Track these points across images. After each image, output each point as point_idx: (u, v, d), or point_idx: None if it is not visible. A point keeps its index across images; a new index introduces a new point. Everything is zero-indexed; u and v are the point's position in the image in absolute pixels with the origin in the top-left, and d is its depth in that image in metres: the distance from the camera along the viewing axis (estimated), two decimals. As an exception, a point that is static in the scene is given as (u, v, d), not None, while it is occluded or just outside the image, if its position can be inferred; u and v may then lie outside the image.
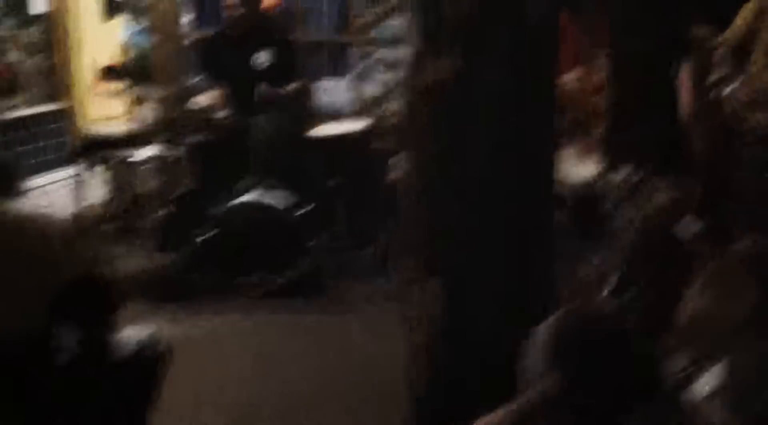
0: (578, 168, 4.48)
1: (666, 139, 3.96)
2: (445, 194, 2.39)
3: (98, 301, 2.14)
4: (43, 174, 6.45)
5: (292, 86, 4.93)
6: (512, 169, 2.34)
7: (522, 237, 2.40)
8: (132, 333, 2.25)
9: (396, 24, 5.70)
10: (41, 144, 6.47)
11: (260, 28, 5.00)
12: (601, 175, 4.11)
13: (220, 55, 5.04)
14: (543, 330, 1.68)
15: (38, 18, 6.57)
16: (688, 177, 3.48)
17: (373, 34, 5.97)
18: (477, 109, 2.33)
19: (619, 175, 3.78)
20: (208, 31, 5.57)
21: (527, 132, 2.35)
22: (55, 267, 2.04)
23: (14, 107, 6.32)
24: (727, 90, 3.63)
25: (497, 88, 2.30)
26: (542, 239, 2.49)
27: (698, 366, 2.85)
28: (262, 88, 4.75)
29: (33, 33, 6.56)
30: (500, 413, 1.72)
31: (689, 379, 2.83)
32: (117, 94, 4.64)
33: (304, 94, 5.07)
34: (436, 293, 2.42)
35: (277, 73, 4.90)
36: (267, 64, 4.91)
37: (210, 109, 5.06)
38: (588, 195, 4.22)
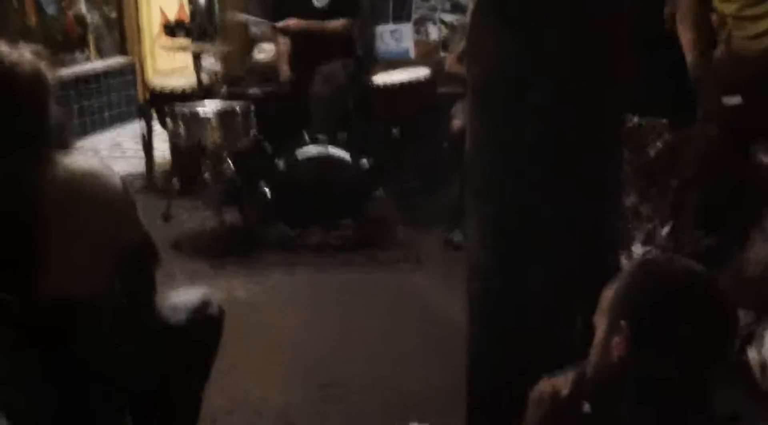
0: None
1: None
2: (511, 138, 2.29)
3: (149, 264, 2.14)
4: (114, 127, 6.57)
5: (338, 21, 4.88)
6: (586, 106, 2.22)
7: (589, 194, 2.30)
8: (183, 298, 2.22)
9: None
10: (111, 96, 6.56)
11: None
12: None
13: None
14: (616, 282, 1.58)
15: (105, -30, 6.62)
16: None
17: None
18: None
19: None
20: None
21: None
22: (116, 228, 2.01)
23: (84, 60, 6.41)
24: None
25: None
26: (610, 202, 2.40)
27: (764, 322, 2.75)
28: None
29: (100, -15, 6.61)
30: (567, 374, 1.66)
31: (752, 336, 2.74)
32: (182, 47, 4.62)
33: (352, 30, 5.02)
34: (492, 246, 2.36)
35: (336, 11, 4.88)
36: (326, 1, 4.88)
37: (273, 60, 5.05)
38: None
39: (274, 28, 4.91)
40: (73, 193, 1.95)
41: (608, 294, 1.59)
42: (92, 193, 1.97)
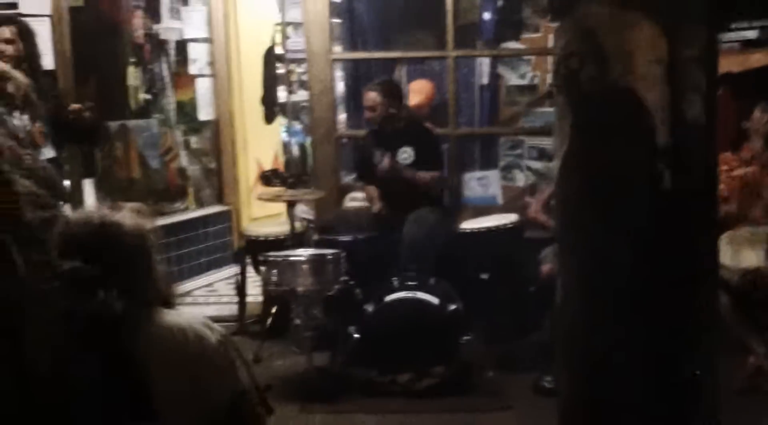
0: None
1: None
2: (599, 285, 2.30)
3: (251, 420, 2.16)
4: (210, 272, 6.77)
5: (428, 173, 5.09)
6: (672, 256, 2.24)
7: (684, 332, 2.28)
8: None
9: (547, 112, 5.71)
10: (209, 243, 6.80)
11: (406, 126, 5.23)
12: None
13: (371, 153, 5.25)
14: None
15: (206, 124, 6.99)
16: None
17: (522, 123, 6.00)
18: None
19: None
20: (361, 130, 5.80)
21: (688, 219, 2.25)
22: (212, 386, 2.04)
23: (184, 209, 6.70)
24: None
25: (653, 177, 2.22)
26: (705, 333, 2.37)
27: None
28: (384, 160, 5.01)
29: (201, 138, 6.97)
30: None
31: None
32: (277, 196, 4.82)
33: (440, 182, 5.24)
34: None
35: (421, 167, 5.10)
36: (411, 159, 5.13)
37: (364, 207, 5.21)
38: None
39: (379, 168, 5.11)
40: (170, 350, 2.00)
41: None
42: (189, 351, 2.01)
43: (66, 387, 1.94)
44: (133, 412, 1.96)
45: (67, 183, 4.41)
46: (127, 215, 2.05)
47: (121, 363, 1.95)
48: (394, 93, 5.23)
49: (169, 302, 2.15)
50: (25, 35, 4.36)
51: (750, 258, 4.31)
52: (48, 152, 4.17)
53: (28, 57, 4.33)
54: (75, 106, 4.37)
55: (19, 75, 4.00)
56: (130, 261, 2.02)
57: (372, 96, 5.12)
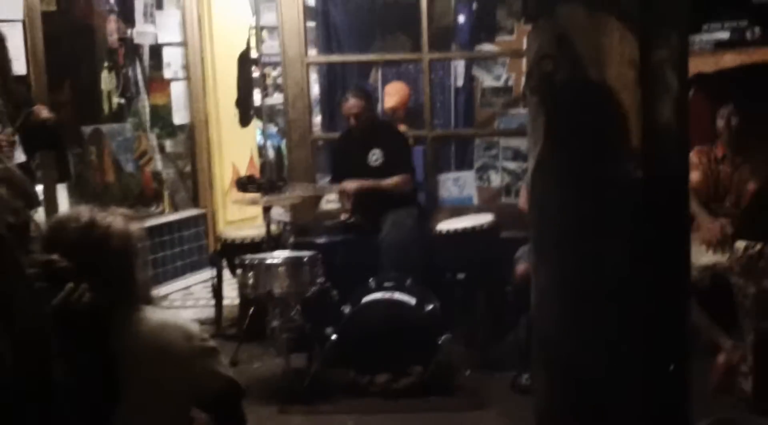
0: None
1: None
2: (574, 285, 2.33)
3: (237, 402, 2.22)
4: (186, 276, 6.76)
5: (393, 179, 5.18)
6: (648, 261, 2.26)
7: (660, 334, 2.30)
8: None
9: (521, 113, 5.75)
10: (184, 247, 6.78)
11: (377, 129, 5.36)
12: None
13: (344, 155, 5.37)
14: None
15: (181, 127, 6.97)
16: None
17: (498, 124, 6.04)
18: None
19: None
20: (336, 133, 5.84)
21: (660, 219, 2.28)
22: (199, 375, 2.11)
23: (159, 213, 6.68)
24: None
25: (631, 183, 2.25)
26: (680, 333, 2.40)
27: None
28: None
29: (176, 142, 6.96)
30: None
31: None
32: (253, 201, 4.83)
33: (410, 183, 5.32)
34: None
35: (390, 169, 5.20)
36: (380, 161, 5.25)
37: (339, 209, 5.23)
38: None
39: (337, 189, 5.20)
40: (157, 345, 2.06)
41: None
42: (175, 344, 2.08)
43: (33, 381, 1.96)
44: (110, 409, 1.99)
45: (39, 188, 4.37)
46: (116, 218, 2.12)
47: (99, 358, 1.98)
48: (368, 96, 5.38)
49: (150, 303, 2.21)
50: None
51: (708, 256, 4.39)
52: (19, 156, 4.14)
53: None
54: (37, 107, 4.34)
55: None
56: (113, 261, 2.07)
57: (354, 102, 5.20)
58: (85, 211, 2.10)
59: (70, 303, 1.94)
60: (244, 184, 4.79)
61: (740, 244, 3.64)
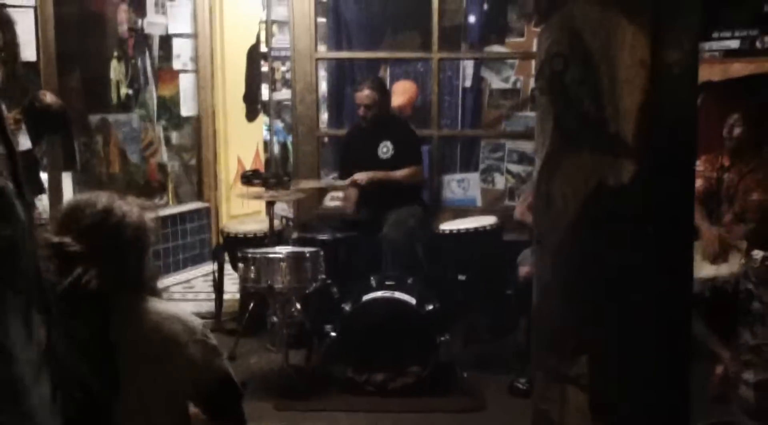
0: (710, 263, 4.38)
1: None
2: (576, 288, 2.31)
3: (234, 400, 2.21)
4: (188, 269, 6.75)
5: (404, 170, 5.16)
6: (651, 264, 2.25)
7: (662, 337, 2.29)
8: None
9: (528, 116, 5.74)
10: (187, 240, 6.78)
11: (386, 121, 5.33)
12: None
13: (354, 148, 5.35)
14: None
15: (187, 120, 6.96)
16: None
17: (504, 126, 6.03)
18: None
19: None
20: (342, 130, 5.83)
21: (666, 223, 2.26)
22: (200, 367, 2.10)
23: (163, 205, 6.68)
24: None
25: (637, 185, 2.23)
26: (681, 337, 2.38)
27: None
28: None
29: (182, 134, 6.95)
30: None
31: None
32: (257, 195, 4.82)
33: (420, 177, 5.33)
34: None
35: (400, 161, 5.19)
36: (390, 153, 5.24)
37: (343, 206, 5.23)
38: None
39: (348, 182, 5.17)
40: (160, 335, 2.06)
41: None
42: (178, 336, 2.08)
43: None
44: (109, 396, 1.98)
45: (44, 176, 4.37)
46: (133, 207, 2.12)
47: (102, 344, 1.97)
48: (384, 90, 5.37)
49: (156, 295, 2.21)
50: (4, 24, 4.31)
51: (707, 268, 4.36)
52: (24, 143, 4.14)
53: (6, 46, 4.28)
54: (42, 91, 4.33)
55: None
56: (125, 249, 2.06)
57: (368, 93, 5.18)
58: (103, 197, 2.09)
59: (78, 288, 1.93)
60: (249, 178, 4.78)
61: (758, 253, 3.63)
